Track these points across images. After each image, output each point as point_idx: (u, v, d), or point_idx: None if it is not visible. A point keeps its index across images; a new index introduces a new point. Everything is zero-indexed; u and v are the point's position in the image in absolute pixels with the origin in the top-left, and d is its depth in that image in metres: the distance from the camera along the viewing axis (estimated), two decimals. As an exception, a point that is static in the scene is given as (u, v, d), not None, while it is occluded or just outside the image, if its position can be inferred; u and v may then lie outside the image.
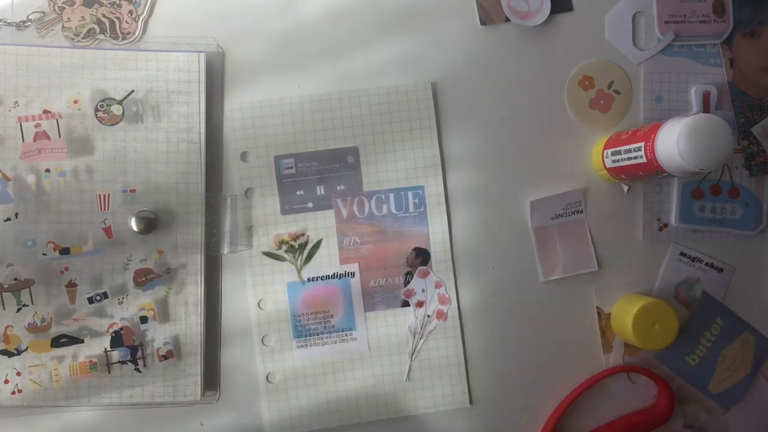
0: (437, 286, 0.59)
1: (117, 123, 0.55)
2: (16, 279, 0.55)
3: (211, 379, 0.57)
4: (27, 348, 0.55)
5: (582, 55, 0.60)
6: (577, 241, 0.60)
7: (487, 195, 0.59)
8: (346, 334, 0.58)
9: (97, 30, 0.57)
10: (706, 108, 0.60)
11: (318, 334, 0.58)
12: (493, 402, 0.59)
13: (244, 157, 0.58)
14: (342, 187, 0.58)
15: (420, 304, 0.59)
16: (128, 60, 0.56)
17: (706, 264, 0.61)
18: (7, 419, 0.56)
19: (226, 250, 0.57)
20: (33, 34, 0.56)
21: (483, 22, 0.60)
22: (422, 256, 0.59)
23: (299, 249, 0.58)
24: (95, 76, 0.56)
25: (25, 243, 0.55)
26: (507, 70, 0.60)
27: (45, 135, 0.55)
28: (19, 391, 0.55)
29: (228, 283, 0.58)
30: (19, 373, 0.55)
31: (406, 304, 0.59)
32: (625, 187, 0.60)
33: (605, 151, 0.57)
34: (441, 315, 0.59)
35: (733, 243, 0.61)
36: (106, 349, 0.56)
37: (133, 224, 0.55)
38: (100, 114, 0.55)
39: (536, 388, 0.59)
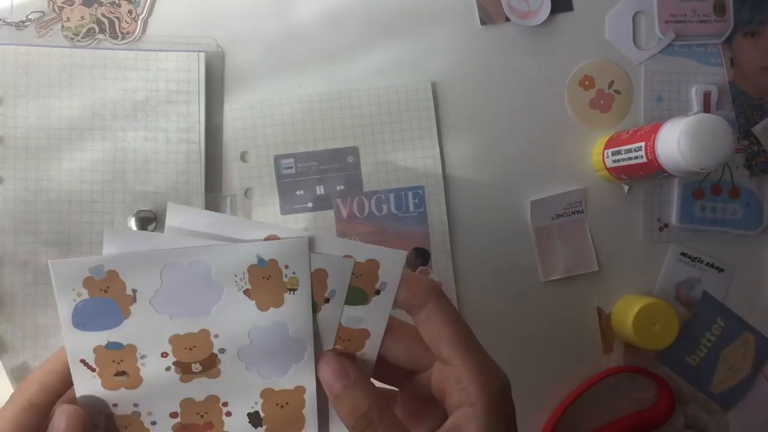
0: (437, 286, 0.59)
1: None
2: (15, 279, 0.55)
3: (211, 380, 0.57)
4: (27, 348, 0.55)
5: (582, 55, 0.60)
6: (578, 241, 0.60)
7: (487, 195, 0.59)
8: (346, 335, 0.58)
9: (97, 30, 0.56)
10: (706, 108, 0.60)
11: (318, 335, 0.58)
12: (493, 402, 0.59)
13: (244, 157, 0.58)
14: (342, 187, 0.58)
15: (420, 304, 0.58)
16: (128, 60, 0.56)
17: (707, 264, 0.61)
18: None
19: (225, 250, 0.57)
20: (32, 34, 0.56)
21: (483, 22, 0.59)
22: (422, 256, 0.59)
23: (299, 249, 0.58)
24: (95, 75, 0.56)
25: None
26: (507, 70, 0.60)
27: (45, 135, 0.55)
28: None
29: (228, 283, 0.58)
30: (18, 373, 0.55)
31: (406, 304, 0.58)
32: (626, 187, 0.60)
33: (605, 151, 0.57)
34: (441, 315, 0.59)
35: (734, 243, 0.61)
36: (105, 349, 0.56)
37: (133, 224, 0.55)
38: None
39: (536, 388, 0.59)
